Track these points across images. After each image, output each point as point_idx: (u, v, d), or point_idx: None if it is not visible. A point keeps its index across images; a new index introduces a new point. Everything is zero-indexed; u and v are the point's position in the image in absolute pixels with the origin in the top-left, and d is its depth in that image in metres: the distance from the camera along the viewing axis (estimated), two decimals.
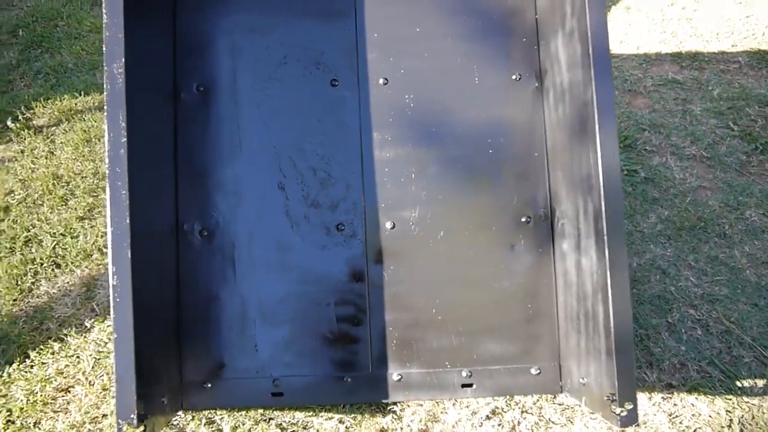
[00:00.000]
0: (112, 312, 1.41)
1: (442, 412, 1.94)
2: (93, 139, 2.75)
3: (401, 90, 1.92)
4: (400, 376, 1.85)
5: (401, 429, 1.89)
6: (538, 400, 1.96)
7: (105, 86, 1.48)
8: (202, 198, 1.87)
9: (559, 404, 1.95)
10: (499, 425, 1.90)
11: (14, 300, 2.21)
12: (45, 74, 3.17)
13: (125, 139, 1.47)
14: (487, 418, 1.91)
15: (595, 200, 1.56)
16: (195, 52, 1.91)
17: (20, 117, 2.86)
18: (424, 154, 1.90)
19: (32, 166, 2.65)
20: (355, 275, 1.87)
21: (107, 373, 1.99)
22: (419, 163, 1.90)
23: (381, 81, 1.91)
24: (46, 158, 2.68)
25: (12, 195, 2.54)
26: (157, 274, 1.72)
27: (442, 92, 1.92)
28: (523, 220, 1.89)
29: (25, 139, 2.81)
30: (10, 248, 2.36)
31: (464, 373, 1.86)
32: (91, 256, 2.32)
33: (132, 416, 1.38)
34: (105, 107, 1.48)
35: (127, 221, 1.46)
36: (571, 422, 1.90)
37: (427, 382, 1.86)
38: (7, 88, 3.09)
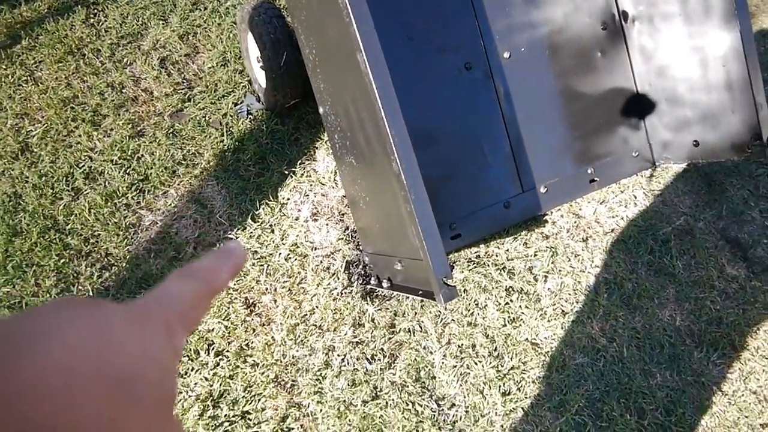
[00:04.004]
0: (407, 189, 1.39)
1: (579, 209, 2.24)
2: (79, 50, 2.26)
3: None
4: (546, 188, 2.08)
5: (558, 233, 2.16)
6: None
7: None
8: None
9: (651, 176, 2.36)
10: (621, 203, 2.26)
11: (125, 241, 1.93)
12: None
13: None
14: (618, 204, 2.26)
15: None
16: None
17: None
18: None
19: (20, 95, 2.14)
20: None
21: (285, 272, 1.92)
22: None
23: None
24: (35, 84, 2.17)
25: (22, 132, 2.06)
26: None
27: None
28: (602, 28, 2.12)
29: None
30: (74, 189, 1.99)
31: (589, 170, 2.15)
32: (176, 171, 2.06)
33: (448, 271, 1.45)
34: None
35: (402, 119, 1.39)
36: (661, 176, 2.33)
37: (564, 187, 2.12)
38: None
